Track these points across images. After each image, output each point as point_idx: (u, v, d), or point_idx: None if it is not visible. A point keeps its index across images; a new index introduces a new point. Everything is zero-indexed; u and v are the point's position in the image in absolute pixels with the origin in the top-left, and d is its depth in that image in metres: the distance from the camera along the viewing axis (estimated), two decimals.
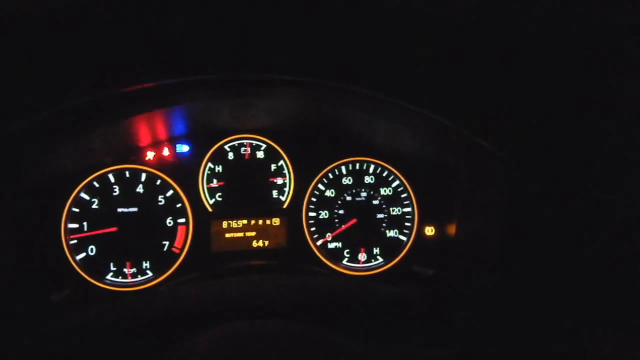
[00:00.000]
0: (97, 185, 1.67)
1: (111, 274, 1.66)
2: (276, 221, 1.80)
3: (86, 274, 1.63)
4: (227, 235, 1.76)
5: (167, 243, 1.71)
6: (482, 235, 1.58)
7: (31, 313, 1.40)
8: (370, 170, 1.87)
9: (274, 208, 1.81)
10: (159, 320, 0.92)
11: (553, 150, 1.23)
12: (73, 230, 1.64)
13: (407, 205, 1.86)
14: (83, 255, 1.64)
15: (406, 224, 1.86)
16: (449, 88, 1.30)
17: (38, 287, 1.52)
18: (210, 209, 1.76)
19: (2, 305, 1.36)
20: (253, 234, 1.78)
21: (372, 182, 1.86)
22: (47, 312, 1.46)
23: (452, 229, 1.73)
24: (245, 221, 1.78)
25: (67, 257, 1.61)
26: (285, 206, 1.82)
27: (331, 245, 1.83)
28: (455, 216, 1.71)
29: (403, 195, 1.86)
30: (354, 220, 1.82)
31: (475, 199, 1.62)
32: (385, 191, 1.87)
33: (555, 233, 1.24)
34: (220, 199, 1.78)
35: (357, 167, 1.86)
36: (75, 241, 1.64)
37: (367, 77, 1.30)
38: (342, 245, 1.83)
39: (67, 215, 1.62)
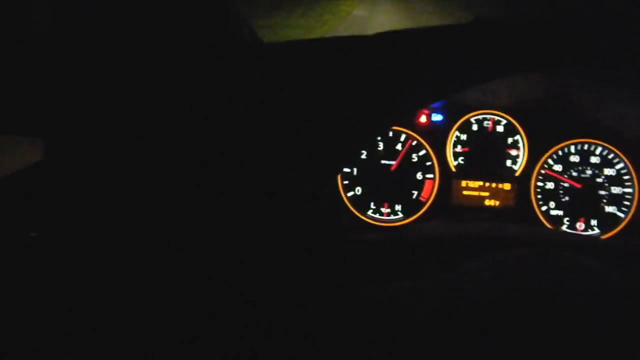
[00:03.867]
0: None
1: (371, 211, 2.13)
2: (507, 186, 2.12)
3: (353, 209, 2.11)
4: (464, 192, 2.13)
5: (415, 193, 2.13)
6: None
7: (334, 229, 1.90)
8: (597, 152, 2.09)
9: (506, 175, 2.13)
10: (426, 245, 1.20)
11: None
12: (346, 174, 2.13)
13: (628, 186, 2.06)
14: (352, 193, 2.13)
15: (626, 202, 2.07)
16: None
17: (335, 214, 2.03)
18: (453, 169, 2.14)
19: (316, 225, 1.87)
20: (486, 194, 2.13)
21: (597, 162, 2.09)
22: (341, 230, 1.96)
23: None
24: (480, 183, 2.13)
25: (341, 194, 2.11)
26: (516, 174, 2.13)
27: (553, 212, 2.11)
28: None
29: (626, 177, 2.07)
30: (579, 185, 2.07)
31: None
32: (609, 172, 2.08)
33: None
34: (462, 162, 2.15)
35: (585, 147, 2.10)
36: (347, 182, 2.13)
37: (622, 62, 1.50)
38: (563, 213, 2.10)
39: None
